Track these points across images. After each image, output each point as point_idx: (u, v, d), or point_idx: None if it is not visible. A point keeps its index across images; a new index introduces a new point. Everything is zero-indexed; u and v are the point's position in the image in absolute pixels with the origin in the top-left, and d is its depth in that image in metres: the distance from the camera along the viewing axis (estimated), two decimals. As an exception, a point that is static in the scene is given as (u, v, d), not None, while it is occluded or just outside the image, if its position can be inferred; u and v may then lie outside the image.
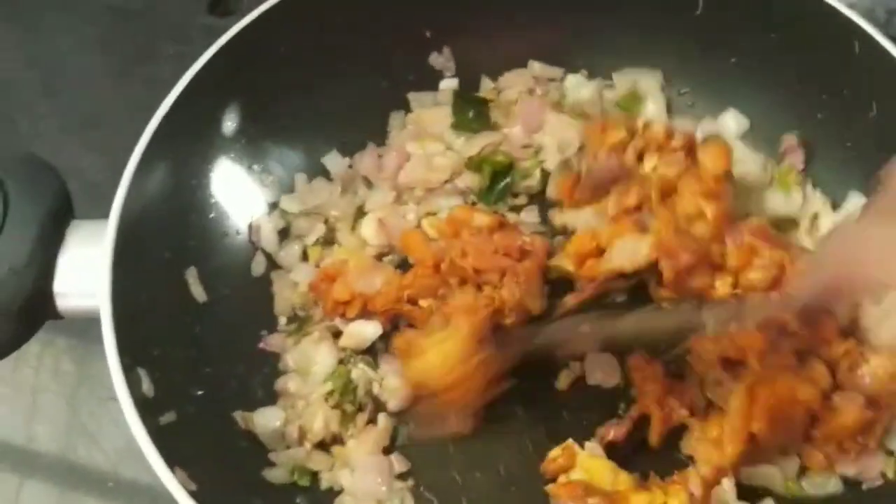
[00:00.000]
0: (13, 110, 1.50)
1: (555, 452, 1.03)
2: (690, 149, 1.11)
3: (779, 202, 1.17)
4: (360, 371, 1.12)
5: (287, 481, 1.07)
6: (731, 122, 1.23)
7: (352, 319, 1.13)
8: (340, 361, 1.13)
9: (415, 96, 1.28)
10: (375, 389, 1.12)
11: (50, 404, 1.25)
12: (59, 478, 1.23)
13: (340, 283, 1.12)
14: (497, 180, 1.22)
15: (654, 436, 1.04)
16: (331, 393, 1.11)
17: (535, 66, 1.29)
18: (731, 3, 1.18)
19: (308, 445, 1.09)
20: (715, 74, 1.23)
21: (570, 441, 1.03)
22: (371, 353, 1.14)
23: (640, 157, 1.13)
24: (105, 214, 1.03)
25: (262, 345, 1.15)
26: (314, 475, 1.08)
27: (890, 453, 1.03)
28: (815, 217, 1.16)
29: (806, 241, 1.15)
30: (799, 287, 0.95)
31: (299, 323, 1.17)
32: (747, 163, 1.19)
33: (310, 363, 1.13)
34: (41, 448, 1.23)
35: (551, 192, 1.20)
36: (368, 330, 1.13)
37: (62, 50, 1.55)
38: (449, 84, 1.29)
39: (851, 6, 1.23)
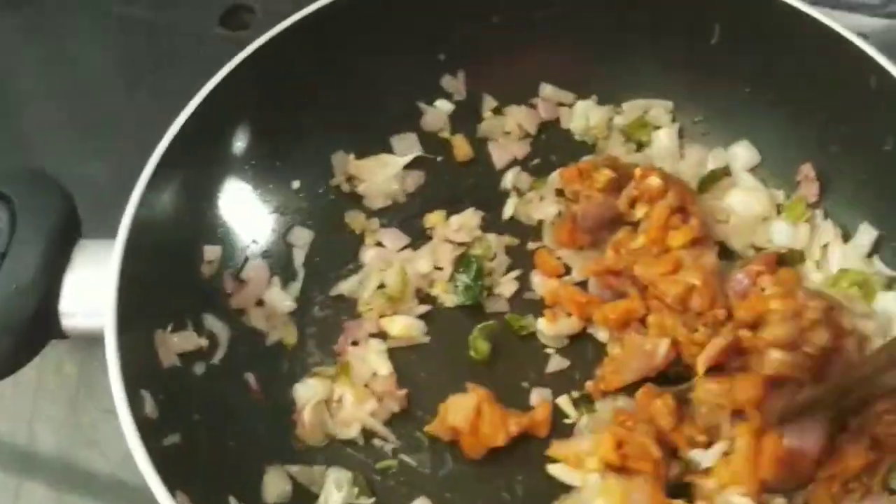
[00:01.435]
0: (26, 121, 1.49)
1: None
2: (682, 208, 1.12)
3: (785, 234, 1.17)
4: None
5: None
6: (742, 153, 1.23)
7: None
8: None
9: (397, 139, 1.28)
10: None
11: (51, 406, 1.25)
12: (59, 479, 1.22)
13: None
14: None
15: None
16: None
17: (547, 89, 1.29)
18: (746, 34, 1.18)
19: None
20: (729, 104, 1.23)
21: None
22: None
23: (632, 205, 1.15)
24: (116, 225, 1.02)
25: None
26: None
27: (893, 492, 1.02)
28: (825, 248, 1.16)
29: (814, 274, 1.15)
30: None
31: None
32: (755, 195, 1.20)
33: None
34: (41, 449, 1.23)
35: (549, 241, 1.21)
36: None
37: (76, 60, 1.55)
38: (442, 106, 1.29)
39: (866, 35, 1.24)
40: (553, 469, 1.06)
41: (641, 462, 1.01)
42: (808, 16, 1.11)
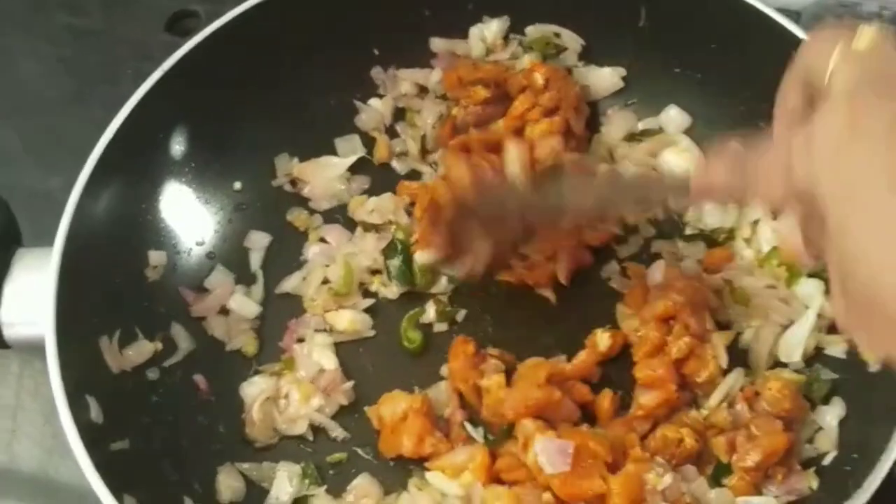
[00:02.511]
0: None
1: None
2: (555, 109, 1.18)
3: (715, 214, 1.18)
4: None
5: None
6: (675, 115, 1.25)
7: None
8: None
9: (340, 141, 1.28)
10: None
11: (30, 426, 1.25)
12: (40, 495, 1.22)
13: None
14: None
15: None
16: None
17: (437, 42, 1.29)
18: (673, 14, 1.19)
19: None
20: (660, 84, 1.24)
21: None
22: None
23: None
24: (65, 237, 1.03)
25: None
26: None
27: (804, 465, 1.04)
28: (755, 225, 1.17)
29: (745, 251, 1.16)
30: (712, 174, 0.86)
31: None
32: (688, 157, 1.21)
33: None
34: (22, 468, 1.23)
35: (431, 143, 1.24)
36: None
37: (22, 71, 1.55)
38: (375, 104, 1.29)
39: (798, 12, 1.25)
40: (430, 476, 1.05)
41: (514, 473, 1.02)
42: (728, -5, 1.12)
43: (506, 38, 1.27)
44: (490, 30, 1.27)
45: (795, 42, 1.07)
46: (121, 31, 1.55)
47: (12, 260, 1.03)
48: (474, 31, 1.27)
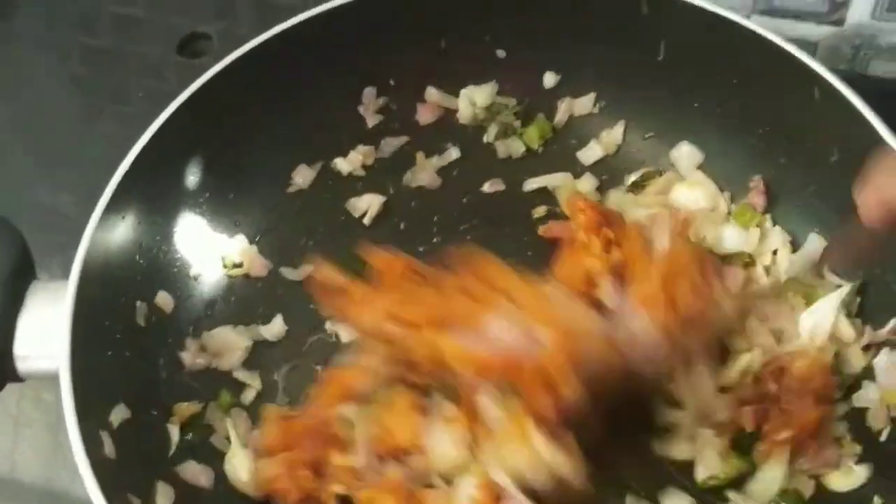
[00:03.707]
0: (-17, 149, 1.49)
1: None
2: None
3: (735, 238, 1.17)
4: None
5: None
6: (686, 150, 1.24)
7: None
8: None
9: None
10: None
11: (32, 433, 1.25)
12: None
13: None
14: None
15: None
16: None
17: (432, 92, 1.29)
18: (692, 49, 1.18)
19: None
20: (678, 118, 1.23)
21: None
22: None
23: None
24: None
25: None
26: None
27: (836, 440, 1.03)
28: (775, 254, 1.16)
29: (764, 279, 1.14)
30: None
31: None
32: (700, 189, 1.21)
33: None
34: (24, 477, 1.23)
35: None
36: None
37: (35, 90, 1.55)
38: None
39: (814, 43, 1.25)
40: None
41: None
42: (748, 29, 1.11)
43: (489, 107, 1.28)
44: (480, 93, 1.28)
45: (815, 76, 1.08)
46: (133, 51, 1.55)
47: (27, 293, 1.02)
48: (465, 92, 1.28)
